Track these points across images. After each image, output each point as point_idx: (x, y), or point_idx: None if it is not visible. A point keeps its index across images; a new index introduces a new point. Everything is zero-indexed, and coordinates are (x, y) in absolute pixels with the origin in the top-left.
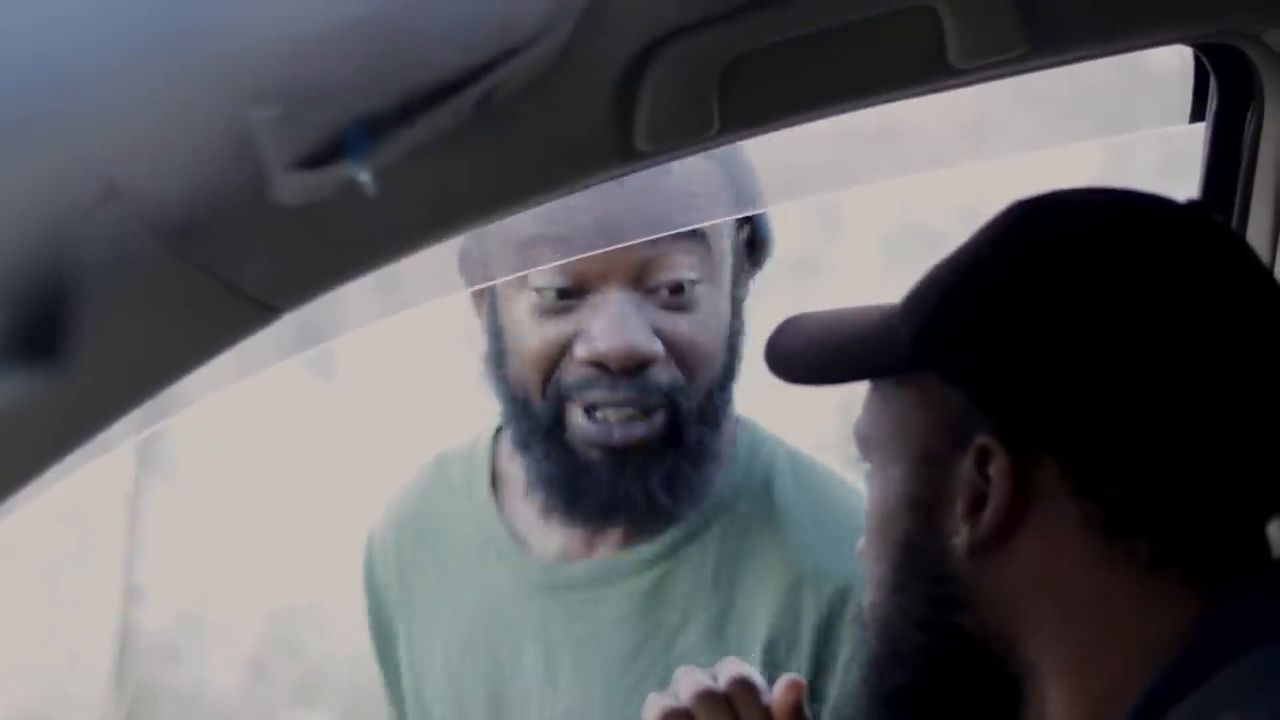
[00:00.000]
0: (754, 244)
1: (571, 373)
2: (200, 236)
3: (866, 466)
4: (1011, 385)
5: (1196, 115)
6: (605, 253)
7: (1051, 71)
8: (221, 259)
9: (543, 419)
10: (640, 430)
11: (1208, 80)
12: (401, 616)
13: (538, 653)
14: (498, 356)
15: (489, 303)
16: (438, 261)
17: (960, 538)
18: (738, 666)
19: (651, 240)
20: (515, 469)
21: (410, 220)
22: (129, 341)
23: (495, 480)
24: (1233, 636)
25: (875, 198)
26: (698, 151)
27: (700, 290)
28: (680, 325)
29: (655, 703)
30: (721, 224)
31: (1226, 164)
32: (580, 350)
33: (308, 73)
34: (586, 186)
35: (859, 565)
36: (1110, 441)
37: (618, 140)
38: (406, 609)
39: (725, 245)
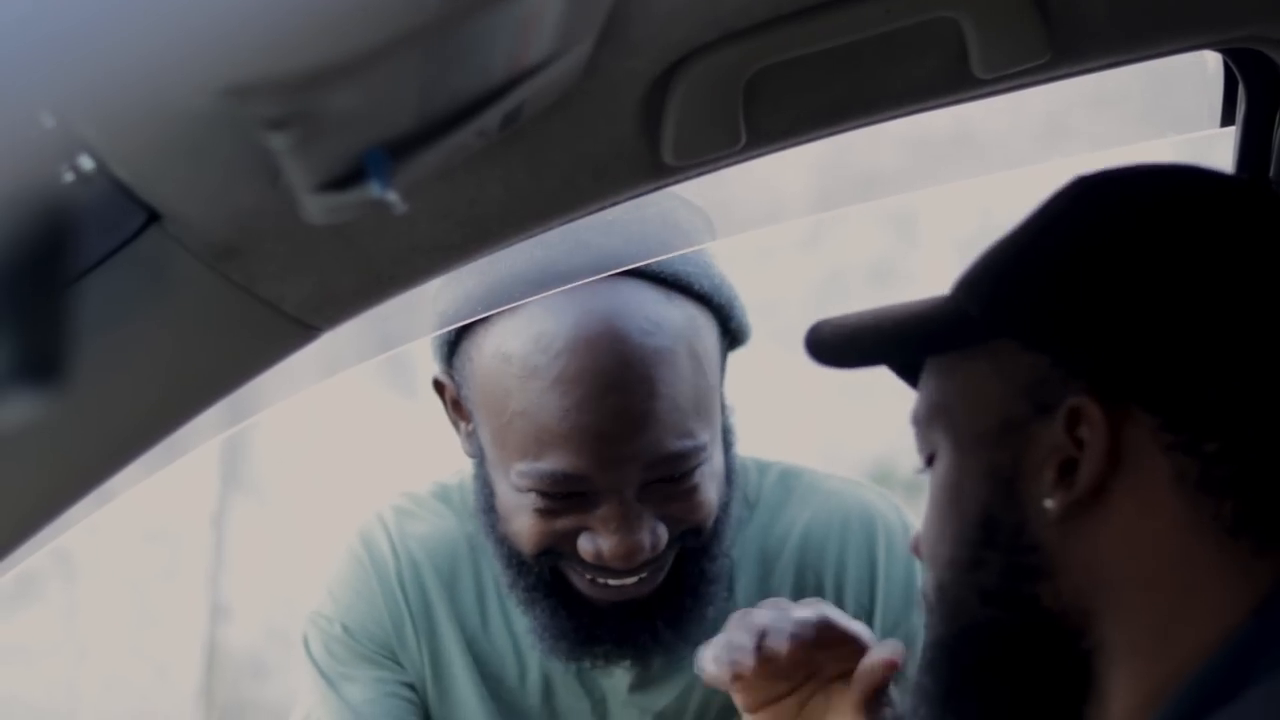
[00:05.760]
0: (734, 340)
1: (570, 553)
2: (240, 257)
3: (927, 456)
4: (1101, 341)
5: (1227, 119)
6: (611, 464)
7: (1124, 71)
8: (262, 279)
9: (542, 576)
10: (647, 588)
11: (1236, 85)
12: (428, 624)
13: (573, 688)
14: (488, 510)
15: (478, 457)
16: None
17: (1054, 502)
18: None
19: (656, 441)
20: None
21: (445, 238)
22: (173, 360)
23: None
24: None
25: (951, 204)
26: (725, 166)
27: (703, 459)
28: (684, 507)
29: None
30: (713, 359)
31: (1255, 167)
32: (584, 547)
33: (324, 98)
34: (617, 202)
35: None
36: (1206, 392)
37: (646, 156)
38: (428, 621)
39: (719, 387)
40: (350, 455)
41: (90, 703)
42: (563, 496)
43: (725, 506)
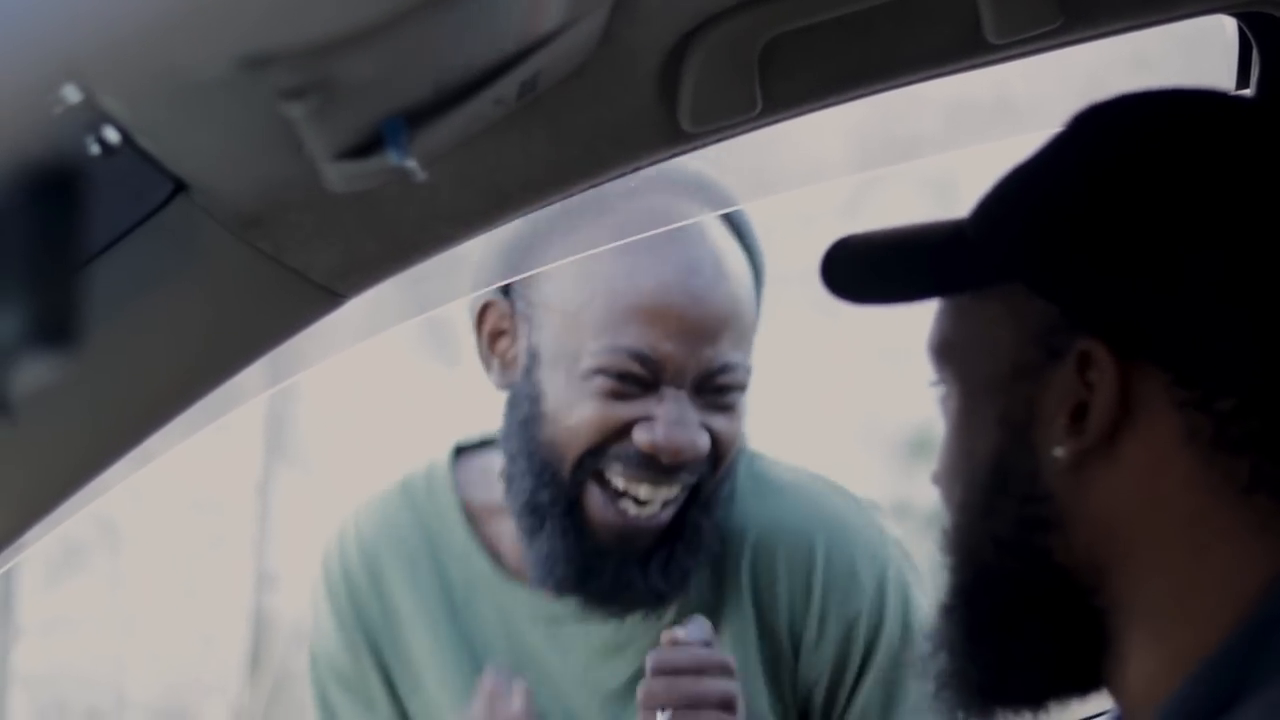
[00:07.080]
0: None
1: (618, 451)
2: (266, 226)
3: (940, 388)
4: (1112, 294)
5: (1241, 83)
6: (683, 350)
7: (1157, 33)
8: (288, 247)
9: (565, 492)
10: (662, 519)
11: (1251, 48)
12: (386, 638)
13: (538, 681)
14: (527, 422)
15: (525, 368)
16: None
17: (1064, 450)
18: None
19: (720, 344)
20: (484, 497)
21: (467, 206)
22: (202, 328)
23: (466, 509)
24: None
25: (990, 169)
26: (743, 132)
27: (747, 384)
28: (724, 426)
29: None
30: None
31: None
32: (640, 436)
33: (341, 67)
34: (637, 169)
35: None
36: (1220, 348)
37: (664, 123)
38: (390, 631)
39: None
40: (393, 424)
41: (137, 673)
42: (629, 380)
43: (734, 463)
